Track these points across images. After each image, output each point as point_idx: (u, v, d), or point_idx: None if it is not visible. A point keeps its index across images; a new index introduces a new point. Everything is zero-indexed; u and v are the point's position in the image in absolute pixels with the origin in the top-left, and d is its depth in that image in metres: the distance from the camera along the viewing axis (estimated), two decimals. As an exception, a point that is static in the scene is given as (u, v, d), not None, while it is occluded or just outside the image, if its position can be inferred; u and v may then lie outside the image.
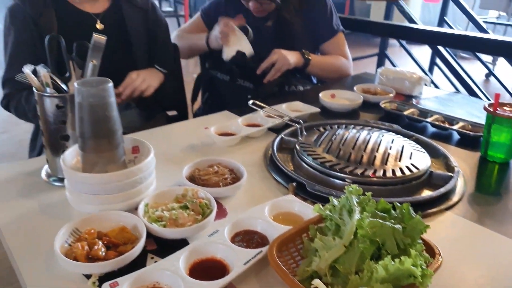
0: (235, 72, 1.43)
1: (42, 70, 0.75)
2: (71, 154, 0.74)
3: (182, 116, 1.47)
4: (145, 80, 1.16)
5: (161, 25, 1.30)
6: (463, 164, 0.92)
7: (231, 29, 1.29)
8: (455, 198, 0.78)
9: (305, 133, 0.97)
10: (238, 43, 1.30)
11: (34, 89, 0.76)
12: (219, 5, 1.52)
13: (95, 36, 0.80)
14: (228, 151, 0.96)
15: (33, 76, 0.75)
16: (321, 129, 1.01)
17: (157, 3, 8.02)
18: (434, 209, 0.74)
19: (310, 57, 1.39)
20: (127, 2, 1.21)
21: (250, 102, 1.05)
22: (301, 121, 0.99)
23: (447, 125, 1.08)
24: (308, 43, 1.48)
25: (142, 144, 0.79)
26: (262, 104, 1.06)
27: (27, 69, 0.75)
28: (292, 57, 1.34)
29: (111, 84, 0.67)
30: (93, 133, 0.67)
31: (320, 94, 1.23)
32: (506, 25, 4.48)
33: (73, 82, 0.80)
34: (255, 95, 1.24)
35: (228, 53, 1.32)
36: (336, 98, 1.26)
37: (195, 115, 1.57)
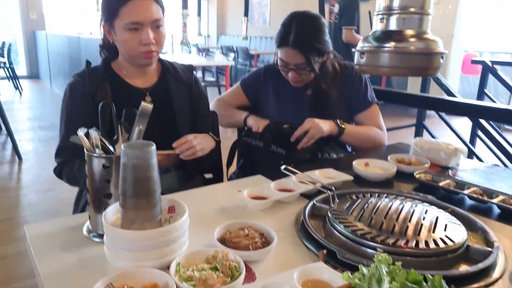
0: (269, 139, 1.49)
1: (93, 133, 0.84)
2: (112, 211, 0.79)
3: (218, 179, 1.52)
4: (201, 143, 1.24)
5: (203, 98, 1.41)
6: (505, 239, 0.88)
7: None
8: (495, 274, 0.74)
9: (337, 200, 0.98)
10: None
11: (85, 149, 0.84)
12: (258, 76, 1.64)
13: (143, 103, 0.89)
14: (259, 215, 0.97)
15: (85, 138, 0.84)
16: (354, 197, 1.01)
17: (200, 73, 8.59)
18: (472, 286, 0.70)
19: (344, 126, 1.44)
20: (173, 78, 1.34)
21: (283, 167, 1.09)
22: (333, 188, 1.00)
23: (485, 198, 1.05)
24: (343, 113, 1.54)
25: (177, 204, 0.83)
26: (294, 170, 1.09)
27: (81, 131, 0.84)
28: (325, 126, 1.39)
29: (154, 147, 0.73)
30: (134, 191, 0.72)
31: (354, 162, 1.25)
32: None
33: (120, 144, 0.88)
34: (288, 161, 1.28)
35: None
36: (370, 167, 1.26)
37: (230, 179, 1.62)
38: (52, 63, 7.65)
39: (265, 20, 10.30)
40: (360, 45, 0.71)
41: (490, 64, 3.45)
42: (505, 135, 3.23)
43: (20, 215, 2.68)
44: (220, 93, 6.08)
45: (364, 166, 1.26)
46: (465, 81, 6.27)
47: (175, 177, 1.34)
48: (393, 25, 0.68)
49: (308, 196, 1.07)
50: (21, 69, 8.90)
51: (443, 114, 3.44)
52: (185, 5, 5.57)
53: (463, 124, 3.60)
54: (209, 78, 7.98)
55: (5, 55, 6.87)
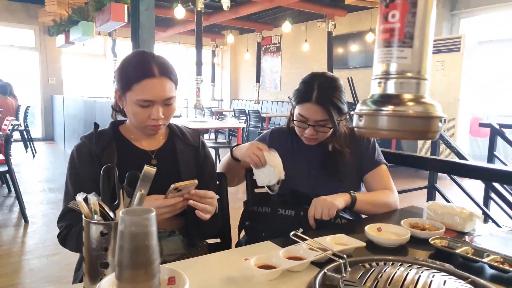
0: (275, 203, 1.46)
1: (92, 198, 0.82)
2: (108, 282, 0.74)
3: (225, 244, 1.47)
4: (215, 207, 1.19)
5: (209, 159, 1.41)
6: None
7: (262, 152, 1.36)
8: None
9: (349, 269, 0.93)
10: (267, 170, 1.35)
11: (83, 216, 0.81)
12: (265, 137, 1.65)
13: (146, 167, 0.88)
14: (268, 285, 0.92)
15: (84, 203, 0.81)
16: (367, 266, 0.96)
17: (213, 134, 8.76)
18: None
19: (355, 194, 1.41)
20: (181, 141, 1.34)
21: (292, 233, 1.05)
22: (345, 256, 0.95)
23: (507, 267, 0.99)
24: (353, 174, 1.53)
25: (178, 275, 0.78)
26: (304, 236, 1.05)
27: (79, 197, 0.81)
28: (337, 200, 1.36)
29: (153, 213, 0.69)
30: (131, 262, 0.68)
31: (366, 228, 1.21)
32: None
33: (120, 210, 0.86)
34: (298, 224, 1.24)
35: (260, 179, 1.37)
36: (383, 232, 1.22)
37: (238, 243, 1.57)
38: (67, 126, 7.91)
39: (276, 85, 10.72)
40: (358, 108, 0.72)
41: (498, 127, 3.46)
42: (521, 198, 3.13)
43: (20, 282, 2.59)
44: (229, 154, 6.11)
45: (377, 232, 1.22)
46: (474, 143, 6.27)
47: (180, 241, 1.30)
48: (390, 89, 0.69)
49: (319, 264, 1.02)
50: (36, 131, 9.20)
51: (454, 176, 3.39)
52: (199, 72, 5.84)
53: (476, 186, 3.53)
54: (222, 139, 8.14)
55: (21, 118, 7.13)
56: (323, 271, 0.94)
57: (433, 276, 0.85)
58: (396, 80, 0.68)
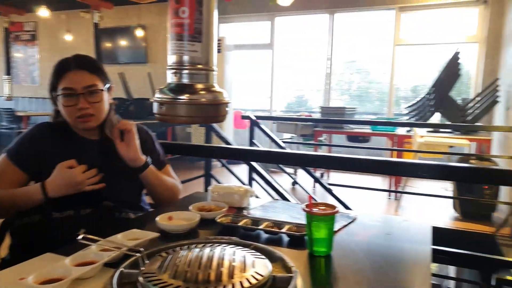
0: (47, 208, 1.27)
1: None
2: None
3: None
4: None
5: None
6: (297, 263, 1.00)
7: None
8: (299, 296, 0.83)
9: (147, 261, 0.91)
10: None
11: None
12: (32, 138, 1.40)
13: None
14: (56, 301, 0.80)
15: None
16: (164, 254, 0.97)
17: None
18: (285, 312, 0.76)
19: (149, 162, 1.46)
20: None
21: (80, 237, 0.95)
22: (142, 249, 0.93)
23: (277, 230, 1.20)
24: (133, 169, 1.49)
25: None
26: (94, 237, 0.96)
27: None
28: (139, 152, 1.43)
29: None
30: None
31: (157, 218, 1.21)
32: (297, 143, 5.59)
33: None
34: (80, 225, 1.15)
35: None
36: (174, 220, 1.25)
37: (3, 264, 1.29)
38: None
39: (34, 79, 9.28)
40: (158, 95, 0.75)
41: (255, 119, 4.09)
42: (272, 175, 3.84)
43: None
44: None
45: (168, 220, 1.24)
46: (237, 134, 7.21)
47: None
48: (185, 79, 0.75)
49: (114, 264, 0.96)
50: None
51: (225, 163, 3.83)
52: None
53: (242, 170, 4.10)
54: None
55: None
56: (119, 270, 0.89)
57: (224, 250, 0.94)
58: (190, 71, 0.74)
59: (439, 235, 1.23)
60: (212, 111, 0.77)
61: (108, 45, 8.10)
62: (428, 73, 6.25)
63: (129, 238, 1.08)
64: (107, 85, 1.44)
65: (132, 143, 1.41)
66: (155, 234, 1.11)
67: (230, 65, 6.58)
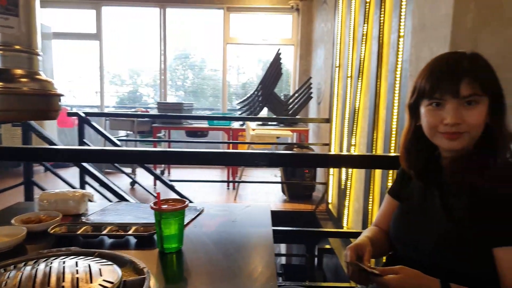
0: None
1: None
2: None
3: None
4: None
5: None
6: (148, 263, 0.96)
7: None
8: (154, 297, 0.80)
9: (-44, 294, 0.73)
10: None
11: None
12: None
13: None
14: None
15: None
16: (-19, 281, 0.79)
17: None
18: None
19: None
20: None
21: None
22: None
23: (122, 233, 1.12)
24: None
25: None
26: None
27: None
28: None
29: None
30: None
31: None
32: (135, 140, 5.35)
33: None
34: None
35: None
36: (-8, 239, 1.03)
37: None
38: None
39: None
40: None
41: (84, 115, 3.71)
42: (108, 177, 3.57)
43: None
44: None
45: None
46: (62, 134, 6.42)
47: None
48: None
49: None
50: None
51: (50, 166, 3.36)
52: None
53: (71, 175, 3.67)
54: None
55: None
56: None
57: (64, 263, 0.83)
58: (4, 53, 0.59)
59: (273, 216, 1.36)
60: (41, 103, 0.65)
61: None
62: (255, 71, 6.85)
63: None
64: None
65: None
66: (-34, 259, 0.90)
67: (48, 56, 5.77)
